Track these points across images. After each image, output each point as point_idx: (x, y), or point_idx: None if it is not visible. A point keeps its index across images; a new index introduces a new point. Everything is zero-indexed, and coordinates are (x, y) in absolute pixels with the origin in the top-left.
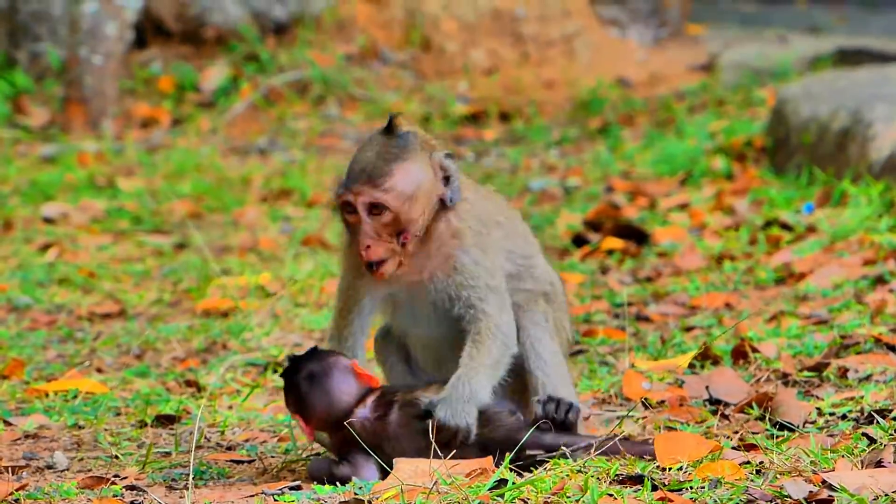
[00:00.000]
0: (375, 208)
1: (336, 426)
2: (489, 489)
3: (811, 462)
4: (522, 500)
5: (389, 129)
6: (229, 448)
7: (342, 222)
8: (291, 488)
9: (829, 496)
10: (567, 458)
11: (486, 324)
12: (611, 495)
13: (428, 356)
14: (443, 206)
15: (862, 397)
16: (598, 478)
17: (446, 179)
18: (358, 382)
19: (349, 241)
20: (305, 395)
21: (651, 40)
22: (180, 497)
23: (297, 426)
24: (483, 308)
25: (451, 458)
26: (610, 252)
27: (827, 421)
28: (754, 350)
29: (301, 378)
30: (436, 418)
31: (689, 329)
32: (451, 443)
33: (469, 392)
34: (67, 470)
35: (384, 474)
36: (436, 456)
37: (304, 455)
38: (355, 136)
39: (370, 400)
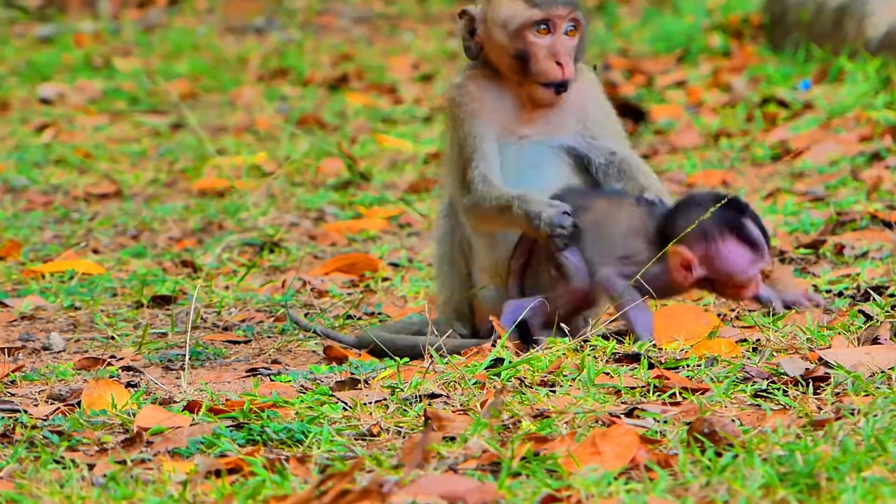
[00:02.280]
0: (573, 27)
1: None
2: (485, 368)
3: (807, 339)
4: (519, 378)
5: None
6: (225, 328)
7: (514, 54)
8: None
9: (826, 373)
10: (565, 336)
11: (637, 163)
12: (607, 374)
13: None
14: None
15: (858, 274)
16: (594, 356)
17: None
18: None
19: (510, 68)
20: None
21: None
22: (177, 378)
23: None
24: (627, 153)
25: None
26: None
27: (824, 298)
28: None
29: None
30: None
31: None
32: None
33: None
34: (63, 351)
35: None
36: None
37: (299, 336)
38: (353, 14)
39: None
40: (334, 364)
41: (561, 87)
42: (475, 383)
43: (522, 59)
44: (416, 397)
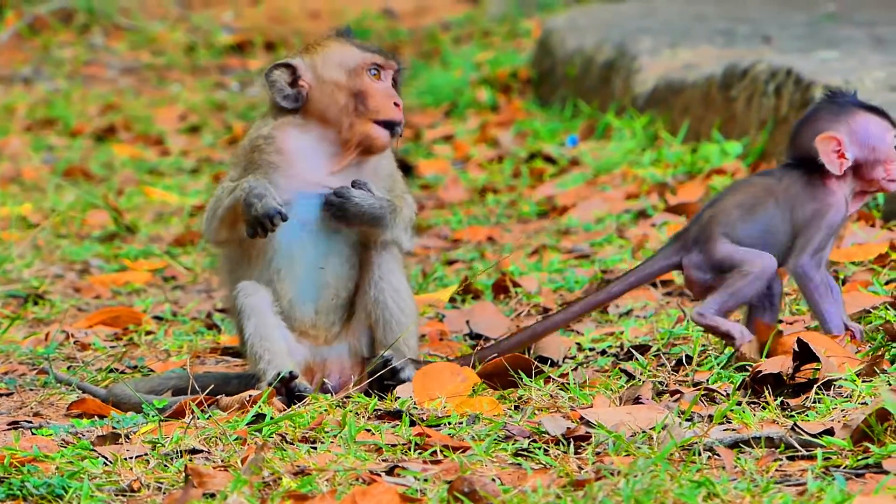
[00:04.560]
0: (395, 79)
1: None
2: (247, 423)
3: (570, 398)
4: (280, 434)
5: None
6: None
7: (353, 91)
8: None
9: (587, 433)
10: (328, 392)
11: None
12: (369, 430)
13: (307, 294)
14: None
15: (622, 332)
16: (356, 413)
17: None
18: None
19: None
20: None
21: None
22: None
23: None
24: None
25: None
26: None
27: (587, 356)
28: (515, 284)
29: None
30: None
31: (451, 262)
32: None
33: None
34: None
35: None
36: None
37: (63, 389)
38: (120, 65)
39: None
40: (96, 418)
41: (396, 127)
42: (236, 439)
43: (361, 97)
44: (177, 452)
